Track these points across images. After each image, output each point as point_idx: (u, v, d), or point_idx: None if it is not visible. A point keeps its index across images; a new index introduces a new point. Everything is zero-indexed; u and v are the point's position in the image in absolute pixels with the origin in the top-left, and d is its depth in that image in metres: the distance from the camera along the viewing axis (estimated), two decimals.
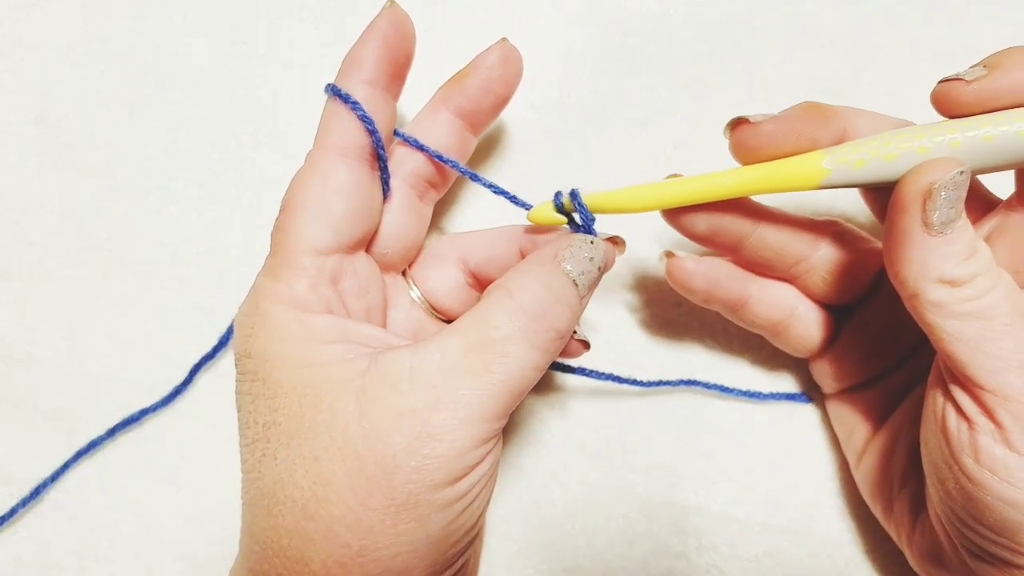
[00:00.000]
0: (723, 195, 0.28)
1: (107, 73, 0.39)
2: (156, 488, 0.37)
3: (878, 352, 0.33)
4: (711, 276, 0.32)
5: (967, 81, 0.25)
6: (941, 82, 0.26)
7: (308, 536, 0.24)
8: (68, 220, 0.39)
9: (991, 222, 0.29)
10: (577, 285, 0.27)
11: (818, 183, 0.27)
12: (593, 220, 0.29)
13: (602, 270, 0.28)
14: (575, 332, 0.30)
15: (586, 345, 0.31)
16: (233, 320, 0.36)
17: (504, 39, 0.31)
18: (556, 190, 0.29)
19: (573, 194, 0.28)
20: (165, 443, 0.38)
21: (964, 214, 0.25)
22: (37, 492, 0.37)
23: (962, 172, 0.24)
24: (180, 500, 0.37)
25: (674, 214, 0.30)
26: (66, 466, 0.37)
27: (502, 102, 0.32)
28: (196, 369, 0.37)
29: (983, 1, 0.38)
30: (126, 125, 0.39)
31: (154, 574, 0.37)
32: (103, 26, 0.39)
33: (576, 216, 0.29)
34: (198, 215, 0.39)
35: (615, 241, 0.30)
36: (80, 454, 0.37)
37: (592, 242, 0.28)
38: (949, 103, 0.26)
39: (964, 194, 0.25)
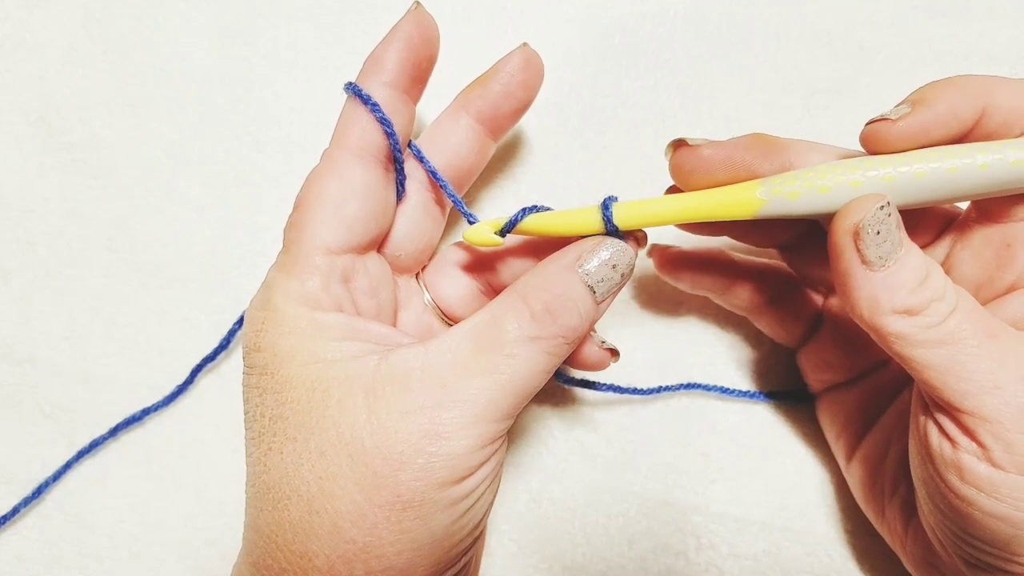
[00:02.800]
0: (664, 222, 0.28)
1: (108, 73, 0.39)
2: (157, 488, 0.38)
3: (861, 344, 0.33)
4: (697, 264, 0.33)
5: (893, 120, 0.25)
6: (868, 123, 0.26)
7: (313, 531, 0.24)
8: (69, 220, 0.39)
9: (952, 236, 0.29)
10: (595, 292, 0.26)
11: (754, 212, 0.27)
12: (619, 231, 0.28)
13: (625, 276, 0.27)
14: (604, 341, 0.30)
15: (614, 353, 0.30)
16: (234, 321, 0.37)
17: (525, 44, 0.31)
18: (604, 198, 0.28)
19: (605, 204, 0.27)
20: (166, 443, 0.38)
21: (906, 242, 0.25)
22: (39, 492, 0.37)
23: (883, 207, 0.24)
24: (181, 500, 0.37)
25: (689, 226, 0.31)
26: (68, 465, 0.37)
27: (523, 107, 0.32)
28: (198, 369, 0.37)
29: (983, 1, 0.38)
30: (127, 125, 0.39)
31: (155, 573, 0.37)
32: (104, 26, 0.40)
33: (495, 237, 0.28)
34: (198, 215, 0.39)
35: (636, 236, 0.29)
36: (82, 454, 0.37)
37: (618, 248, 0.27)
38: (878, 143, 0.26)
39: (896, 224, 0.24)
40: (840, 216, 0.25)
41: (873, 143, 0.26)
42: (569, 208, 0.28)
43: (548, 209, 0.28)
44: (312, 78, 0.39)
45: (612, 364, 0.30)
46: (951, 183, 0.25)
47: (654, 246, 0.33)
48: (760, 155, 0.27)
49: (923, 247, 0.30)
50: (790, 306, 0.34)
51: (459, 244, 0.33)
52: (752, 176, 0.27)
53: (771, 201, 0.26)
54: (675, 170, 0.28)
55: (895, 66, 0.38)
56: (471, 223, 0.29)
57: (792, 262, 0.34)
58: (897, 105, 0.26)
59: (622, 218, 0.27)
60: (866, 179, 0.25)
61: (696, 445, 0.37)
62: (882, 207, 0.24)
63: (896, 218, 0.25)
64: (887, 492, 0.32)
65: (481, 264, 0.32)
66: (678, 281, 0.33)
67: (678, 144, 0.28)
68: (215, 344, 0.37)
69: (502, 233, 0.28)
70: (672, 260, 0.33)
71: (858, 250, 0.25)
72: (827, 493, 0.36)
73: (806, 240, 0.32)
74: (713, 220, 0.28)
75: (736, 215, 0.27)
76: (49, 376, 0.39)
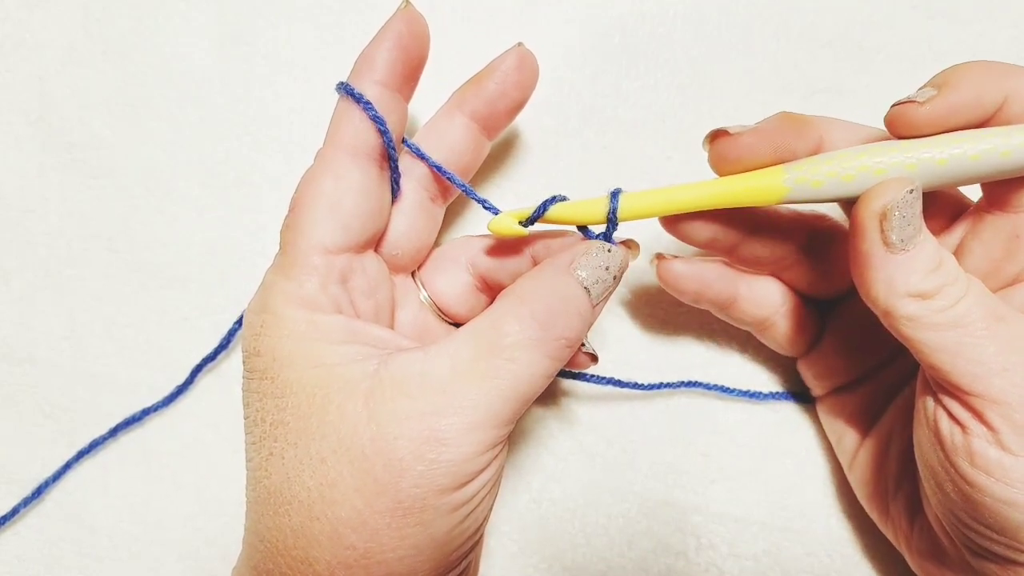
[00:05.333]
0: (686, 208, 0.28)
1: (107, 73, 0.39)
2: (157, 488, 0.38)
3: (863, 348, 0.33)
4: (701, 278, 0.33)
5: (920, 103, 0.25)
6: (894, 106, 0.26)
7: (314, 537, 0.24)
8: (69, 220, 0.39)
9: (963, 226, 0.29)
10: (590, 294, 0.26)
11: (779, 199, 0.27)
12: (615, 228, 0.28)
13: (617, 279, 0.27)
14: (584, 344, 0.30)
15: (594, 358, 0.31)
16: (234, 321, 0.37)
17: (520, 43, 0.31)
18: (614, 188, 0.28)
19: (613, 195, 0.28)
20: (166, 443, 0.38)
21: (924, 228, 0.25)
22: (39, 492, 0.37)
23: (912, 190, 0.25)
24: (181, 500, 0.37)
25: (673, 224, 0.30)
26: (67, 466, 0.37)
27: (518, 106, 0.32)
28: (198, 369, 0.37)
29: (983, 1, 0.38)
30: (127, 125, 0.39)
31: (155, 573, 0.37)
32: (103, 26, 0.39)
33: (523, 228, 0.29)
34: (198, 215, 0.39)
35: (629, 245, 0.29)
36: (81, 454, 0.37)
37: (609, 250, 0.27)
38: (904, 126, 0.26)
39: (919, 209, 0.25)
40: (867, 198, 0.25)
41: (898, 126, 0.26)
42: (585, 199, 0.29)
43: (566, 199, 0.29)
44: (312, 78, 0.39)
45: (592, 367, 0.31)
46: (972, 168, 0.25)
47: (657, 255, 0.33)
48: (796, 136, 0.28)
49: (936, 236, 0.31)
50: (793, 321, 0.34)
51: (458, 239, 0.33)
52: (790, 157, 0.27)
53: (795, 188, 0.27)
54: (717, 160, 0.28)
55: (895, 66, 0.38)
56: (487, 208, 0.30)
57: (790, 281, 0.34)
58: (921, 88, 0.26)
59: (641, 207, 0.28)
60: (889, 166, 0.26)
61: (696, 445, 0.37)
62: (911, 191, 0.25)
63: (920, 203, 0.25)
64: (891, 489, 0.32)
65: (475, 259, 0.32)
66: (681, 294, 0.33)
67: (717, 134, 0.28)
68: (215, 344, 0.37)
69: (527, 223, 0.28)
70: (675, 271, 0.32)
71: (882, 231, 0.25)
72: (827, 493, 0.36)
73: (802, 258, 0.32)
74: (737, 206, 0.28)
75: (762, 201, 0.27)
76: (49, 376, 0.39)
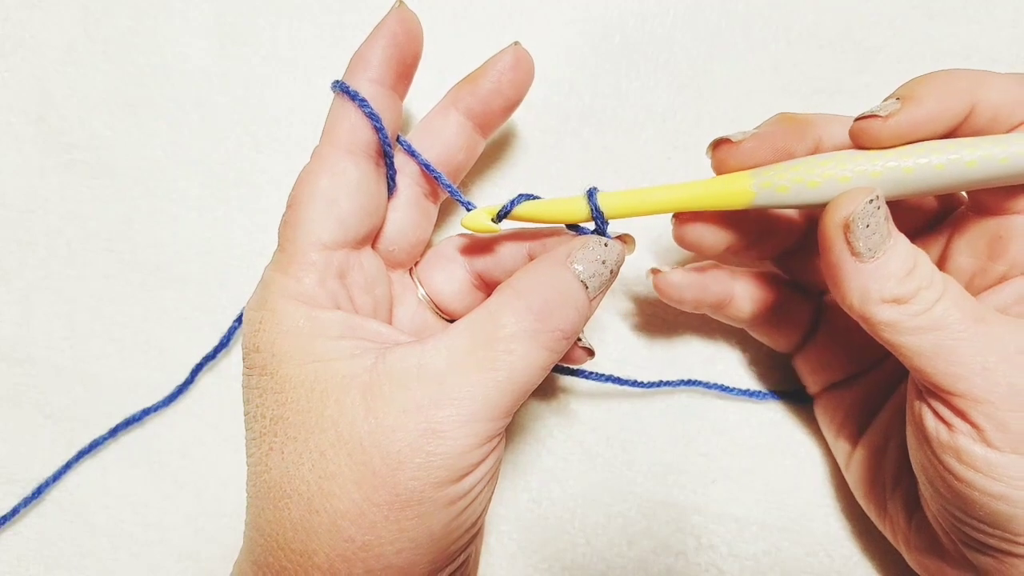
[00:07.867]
0: (657, 211, 0.28)
1: (107, 73, 0.39)
2: (157, 488, 0.38)
3: (856, 343, 0.33)
4: (699, 284, 0.33)
5: (883, 117, 0.26)
6: (857, 119, 0.26)
7: (313, 529, 0.24)
8: (69, 220, 0.39)
9: (950, 227, 0.30)
10: (587, 287, 0.27)
11: (748, 203, 0.27)
12: (605, 224, 0.28)
13: (614, 273, 0.28)
14: (580, 339, 0.30)
15: (590, 352, 0.31)
16: (234, 321, 0.37)
17: (517, 43, 0.31)
18: (589, 187, 0.28)
19: (590, 194, 0.28)
20: (166, 443, 0.38)
21: (894, 233, 0.25)
22: (39, 492, 0.37)
23: (872, 200, 0.25)
24: (181, 500, 0.37)
25: (686, 238, 0.30)
26: (67, 466, 0.37)
27: (512, 105, 0.32)
28: (198, 369, 0.37)
29: (983, 1, 0.38)
30: (127, 125, 0.39)
31: (155, 573, 0.37)
32: (103, 26, 0.40)
33: (498, 225, 0.29)
34: (198, 215, 0.39)
35: (625, 240, 0.29)
36: (81, 454, 0.37)
37: (606, 244, 0.27)
38: (867, 140, 0.26)
39: (884, 217, 0.25)
40: (830, 209, 0.26)
41: (862, 139, 0.26)
42: (560, 198, 0.29)
43: (538, 197, 0.29)
44: (312, 78, 0.39)
45: (588, 361, 0.31)
46: (938, 178, 0.26)
47: (652, 270, 0.33)
48: (795, 137, 0.28)
49: (921, 238, 0.31)
50: (786, 315, 0.34)
51: (455, 237, 0.33)
52: (790, 158, 0.28)
53: (761, 193, 0.27)
54: (719, 167, 0.29)
55: (895, 66, 0.38)
56: (468, 210, 0.30)
57: (788, 271, 0.34)
58: (886, 100, 0.26)
59: (614, 206, 0.28)
60: (854, 174, 0.26)
61: (696, 445, 0.37)
62: (871, 200, 0.25)
63: (885, 210, 0.25)
64: (888, 487, 0.32)
65: (477, 252, 0.32)
66: (681, 303, 0.33)
67: (719, 143, 0.28)
68: (215, 344, 0.37)
69: (498, 219, 0.29)
70: (673, 282, 0.33)
71: (848, 242, 0.25)
72: (827, 493, 0.36)
73: (799, 249, 0.32)
74: (704, 210, 0.28)
75: (728, 206, 0.28)
76: (49, 376, 0.39)
